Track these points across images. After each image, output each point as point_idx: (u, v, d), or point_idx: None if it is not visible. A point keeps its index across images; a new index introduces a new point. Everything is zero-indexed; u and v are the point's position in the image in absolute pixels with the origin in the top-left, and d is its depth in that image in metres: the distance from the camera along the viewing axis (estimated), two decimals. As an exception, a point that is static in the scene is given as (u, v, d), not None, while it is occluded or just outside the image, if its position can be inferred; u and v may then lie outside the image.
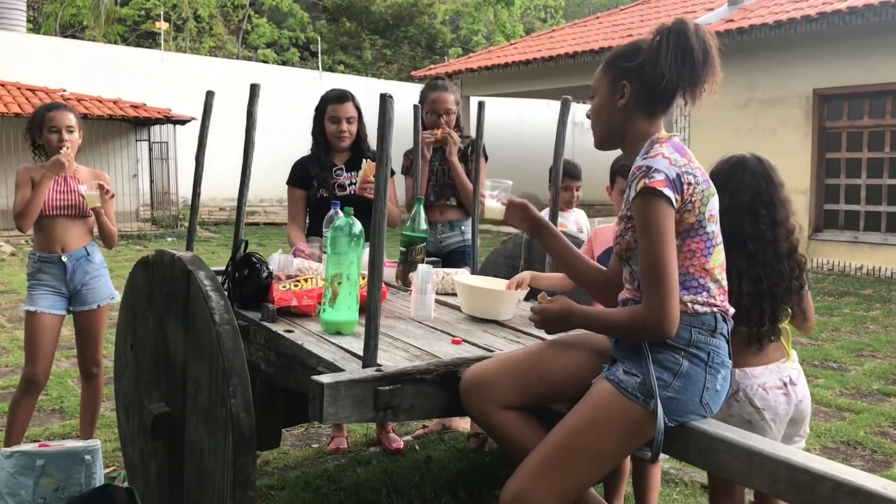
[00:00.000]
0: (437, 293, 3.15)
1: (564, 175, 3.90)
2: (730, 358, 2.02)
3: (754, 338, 2.29)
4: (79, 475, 3.11)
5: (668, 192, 1.87)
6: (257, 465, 3.61)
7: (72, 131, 3.55)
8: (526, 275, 2.95)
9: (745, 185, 2.29)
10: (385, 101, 2.05)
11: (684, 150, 2.00)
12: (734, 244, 2.23)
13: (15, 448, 3.15)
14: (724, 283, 2.03)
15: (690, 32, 1.96)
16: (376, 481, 3.41)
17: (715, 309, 1.98)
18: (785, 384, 2.30)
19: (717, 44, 2.02)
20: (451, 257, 3.92)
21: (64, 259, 3.55)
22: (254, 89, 2.90)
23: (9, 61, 13.96)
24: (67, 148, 3.51)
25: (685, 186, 1.91)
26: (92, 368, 3.67)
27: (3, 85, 13.30)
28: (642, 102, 2.04)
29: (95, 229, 3.70)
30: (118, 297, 3.66)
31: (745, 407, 2.28)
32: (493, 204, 2.44)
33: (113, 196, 3.65)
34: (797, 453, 1.73)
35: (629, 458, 2.79)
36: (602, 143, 2.17)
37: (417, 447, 3.89)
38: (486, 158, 3.95)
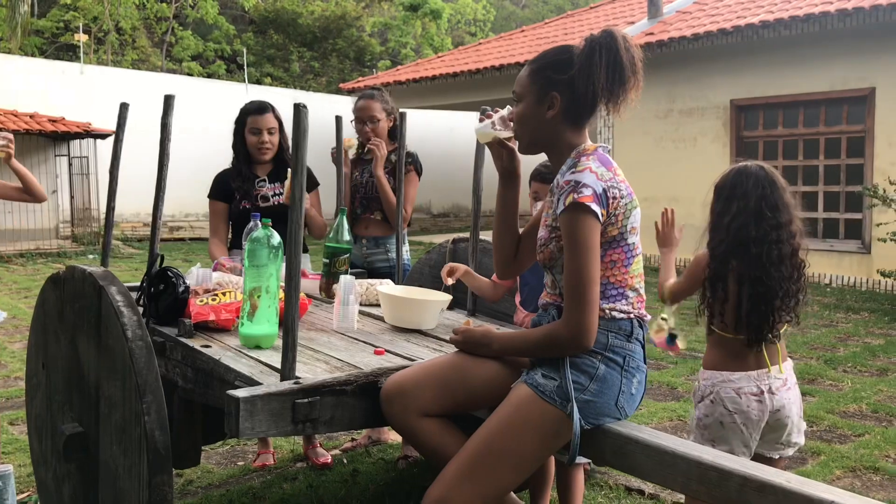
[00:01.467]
0: (360, 304, 3.13)
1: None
2: (645, 363, 2.07)
3: (753, 341, 2.34)
4: (-11, 502, 3.00)
5: (595, 207, 1.91)
6: (180, 485, 3.53)
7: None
8: (461, 267, 2.94)
9: (750, 189, 2.36)
10: (299, 111, 2.04)
11: (610, 164, 2.03)
12: (738, 250, 2.33)
13: (-80, 477, 3.01)
14: (643, 292, 2.09)
15: (621, 46, 1.99)
16: (302, 497, 3.37)
17: (632, 315, 2.03)
18: (762, 391, 2.35)
19: (642, 55, 2.05)
20: (376, 275, 3.84)
21: None
22: (168, 101, 2.85)
23: (-84, 74, 13.40)
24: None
25: (611, 201, 1.95)
26: None
27: None
28: (570, 114, 2.07)
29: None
30: (3, 315, 3.55)
31: (718, 408, 2.35)
32: (485, 124, 2.28)
33: (10, 152, 3.55)
34: (707, 451, 1.78)
35: (553, 462, 2.82)
36: (527, 149, 2.20)
37: (345, 461, 3.85)
38: (420, 172, 3.95)
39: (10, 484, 3.04)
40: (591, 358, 1.97)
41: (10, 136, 3.58)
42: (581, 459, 2.75)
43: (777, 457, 2.47)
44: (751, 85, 10.65)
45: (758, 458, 2.38)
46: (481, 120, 2.31)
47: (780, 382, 2.40)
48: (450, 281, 2.89)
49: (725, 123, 10.98)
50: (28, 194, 3.63)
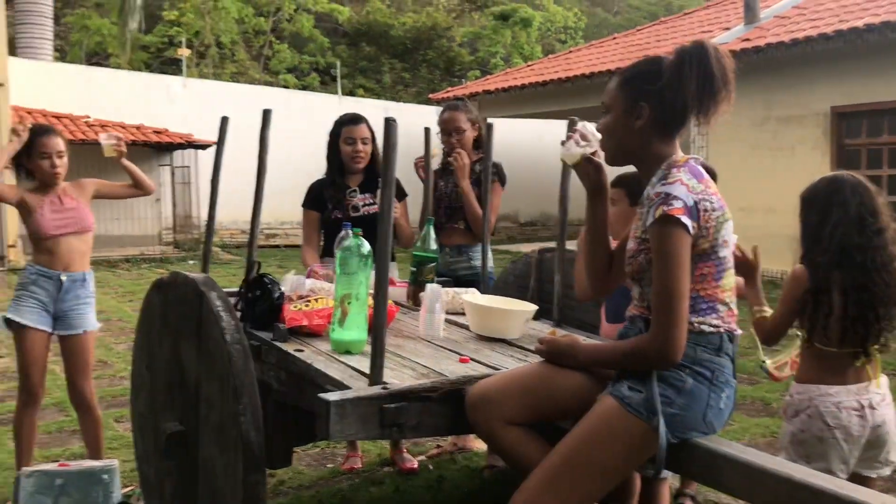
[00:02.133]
0: (446, 312, 3.18)
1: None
2: (734, 378, 2.04)
3: (860, 353, 2.32)
4: (97, 494, 3.17)
5: (685, 219, 1.89)
6: (272, 485, 3.64)
7: (62, 156, 3.62)
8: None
9: (849, 197, 2.36)
10: (389, 125, 2.10)
11: (702, 175, 2.01)
12: (842, 259, 2.32)
13: (35, 467, 3.22)
14: (734, 306, 2.05)
15: (712, 58, 1.97)
16: (389, 501, 3.44)
17: (721, 329, 2.00)
18: (862, 406, 2.31)
19: (733, 65, 2.03)
20: (460, 283, 3.88)
21: (63, 278, 3.59)
22: (266, 115, 2.96)
23: (36, 89, 14.24)
24: (58, 168, 3.58)
25: (702, 213, 1.93)
26: (86, 397, 3.67)
27: (29, 112, 13.56)
28: (659, 125, 2.06)
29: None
30: (98, 327, 3.75)
31: (817, 423, 2.31)
32: (569, 146, 2.26)
33: (123, 151, 3.79)
34: (798, 469, 1.74)
35: (638, 476, 2.79)
36: (614, 160, 2.19)
37: (431, 467, 3.90)
38: (504, 182, 3.99)
39: (116, 478, 3.22)
40: (679, 371, 1.95)
41: (121, 135, 3.82)
42: (666, 474, 2.72)
43: (874, 476, 2.39)
44: (853, 91, 10.23)
45: (853, 477, 2.31)
46: (563, 143, 2.29)
47: (880, 398, 2.33)
48: (530, 311, 2.90)
49: (825, 131, 10.58)
50: (138, 188, 3.86)
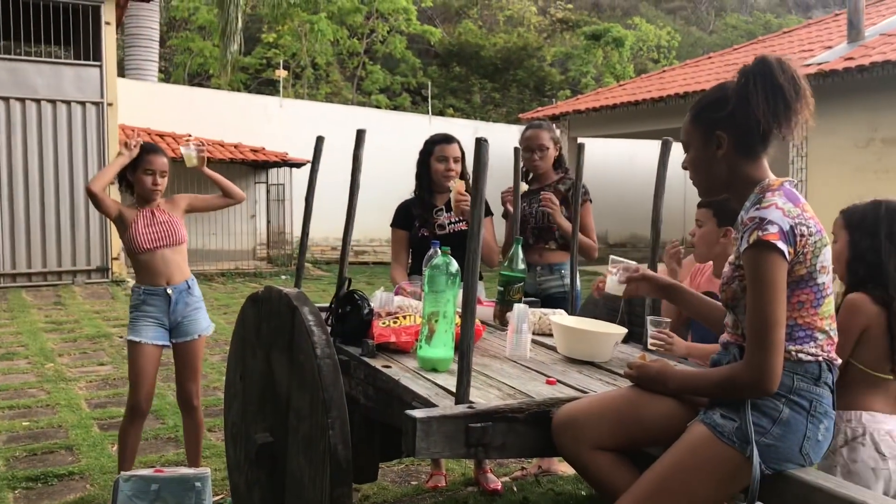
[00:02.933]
0: (533, 333, 3.16)
1: None
2: (833, 409, 1.96)
3: None
4: (189, 501, 3.27)
5: (781, 244, 1.84)
6: (357, 500, 3.69)
7: (164, 175, 3.78)
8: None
9: (884, 219, 2.35)
10: (480, 144, 2.11)
11: (798, 199, 1.96)
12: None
13: (133, 472, 3.34)
14: (834, 334, 1.98)
15: (776, 70, 1.94)
16: (472, 520, 3.43)
17: (820, 358, 1.93)
18: None
19: (803, 74, 1.98)
20: (549, 301, 3.90)
21: (169, 291, 3.74)
22: (360, 135, 3.03)
23: (141, 108, 14.94)
24: (159, 185, 3.73)
25: (798, 238, 1.88)
26: (192, 401, 3.82)
27: (133, 129, 14.24)
28: (742, 148, 2.02)
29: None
30: (212, 328, 3.87)
31: (871, 452, 2.24)
32: (612, 281, 2.47)
33: (204, 157, 3.90)
34: (901, 507, 1.65)
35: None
36: (707, 193, 2.16)
37: (515, 489, 3.88)
38: (590, 201, 4.00)
39: (208, 486, 3.31)
40: (775, 401, 1.89)
41: (201, 142, 3.95)
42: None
43: None
44: (966, 111, 9.73)
45: None
46: (607, 277, 2.52)
47: None
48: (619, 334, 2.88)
49: (935, 153, 10.09)
50: (228, 197, 3.98)
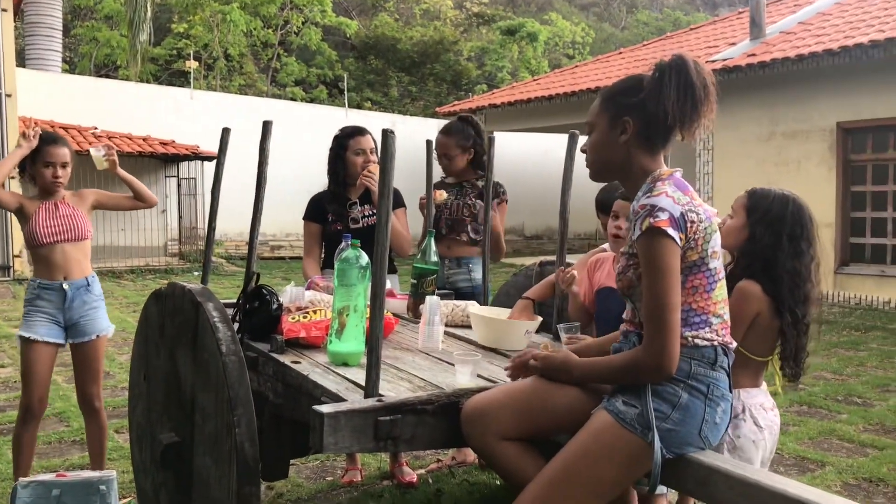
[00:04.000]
0: (446, 325, 3.17)
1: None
2: (730, 391, 2.03)
3: (790, 364, 2.43)
4: (94, 505, 3.16)
5: (672, 231, 1.89)
6: (271, 498, 3.63)
7: (66, 166, 3.61)
8: (522, 303, 3.03)
9: (808, 224, 2.44)
10: (386, 136, 2.10)
11: (686, 188, 2.01)
12: (793, 283, 2.39)
13: (32, 478, 3.19)
14: (727, 317, 2.04)
15: (691, 69, 1.98)
16: (387, 514, 3.42)
17: (715, 342, 1.98)
18: (774, 405, 2.43)
19: (714, 79, 2.04)
20: (457, 296, 3.91)
21: (65, 286, 3.56)
22: (266, 126, 2.98)
23: (44, 100, 14.35)
24: (60, 178, 3.58)
25: (689, 224, 1.93)
26: (94, 403, 3.67)
27: (36, 123, 13.66)
28: (644, 138, 2.06)
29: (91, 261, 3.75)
30: (112, 329, 3.73)
31: (750, 426, 2.36)
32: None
33: (114, 160, 3.73)
34: (792, 484, 1.72)
35: (635, 493, 2.77)
36: (599, 176, 2.20)
37: (430, 481, 3.88)
38: (506, 202, 4.09)
39: (113, 489, 3.19)
40: (674, 386, 1.94)
41: (113, 145, 3.80)
42: (662, 490, 2.70)
43: None
44: (859, 106, 10.22)
45: None
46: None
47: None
48: (532, 323, 2.93)
49: (831, 146, 10.58)
50: (139, 200, 3.81)
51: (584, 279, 3.01)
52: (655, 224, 1.89)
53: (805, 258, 2.41)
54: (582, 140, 2.26)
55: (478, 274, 3.99)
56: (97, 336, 3.64)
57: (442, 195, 3.98)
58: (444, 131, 4.10)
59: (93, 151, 3.71)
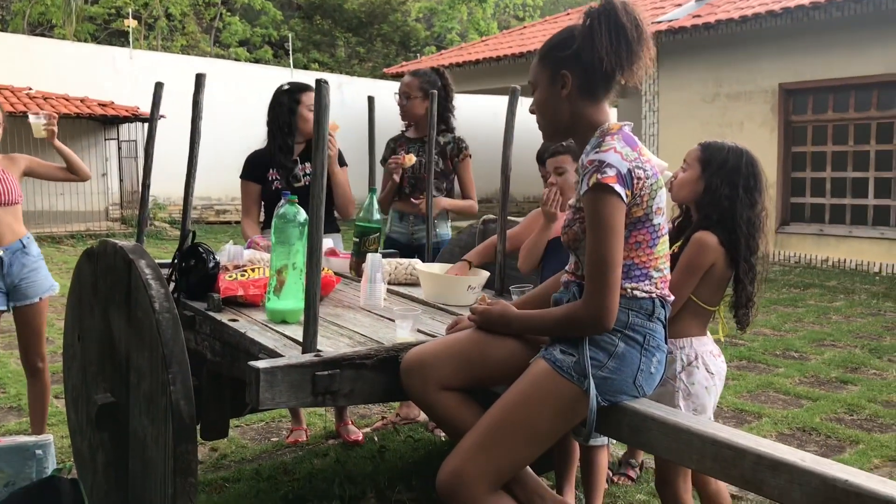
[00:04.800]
0: (389, 283, 3.16)
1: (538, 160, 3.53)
2: (665, 342, 2.05)
3: (743, 312, 2.50)
4: (30, 470, 3.08)
5: (618, 187, 1.88)
6: (214, 459, 3.61)
7: None
8: (462, 264, 3.05)
9: (760, 175, 2.48)
10: (320, 86, 2.06)
11: (635, 143, 2.00)
12: (749, 232, 2.44)
13: (-35, 444, 3.12)
14: (667, 272, 2.06)
15: (620, 11, 1.97)
16: (330, 471, 3.42)
17: (654, 294, 2.00)
18: (720, 353, 2.49)
19: (645, 17, 2.03)
20: (422, 251, 3.90)
21: (0, 253, 3.48)
22: (199, 79, 2.89)
23: (-26, 60, 13.80)
24: None
25: (635, 181, 1.92)
26: (37, 363, 3.62)
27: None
28: (585, 89, 2.04)
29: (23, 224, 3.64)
30: (57, 288, 3.64)
31: (703, 373, 2.41)
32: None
33: (53, 130, 3.64)
34: (722, 429, 1.76)
35: (577, 444, 2.82)
36: (551, 136, 2.19)
37: (375, 438, 3.90)
38: (469, 156, 4.12)
39: (50, 452, 3.13)
40: (611, 336, 1.95)
41: (55, 114, 3.67)
42: (602, 440, 2.75)
43: None
44: (800, 68, 10.40)
45: None
46: None
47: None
48: (475, 279, 2.94)
49: (773, 108, 10.75)
50: (72, 173, 3.71)
51: (526, 227, 3.03)
52: (602, 180, 1.88)
53: (757, 208, 2.45)
54: (528, 102, 2.24)
55: (443, 230, 4.04)
56: (40, 299, 3.57)
57: (411, 159, 3.93)
58: (412, 73, 4.09)
59: (32, 118, 3.59)
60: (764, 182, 2.51)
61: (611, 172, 1.89)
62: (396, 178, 3.96)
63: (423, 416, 4.13)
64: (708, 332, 2.55)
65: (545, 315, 2.06)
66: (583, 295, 1.94)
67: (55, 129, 3.64)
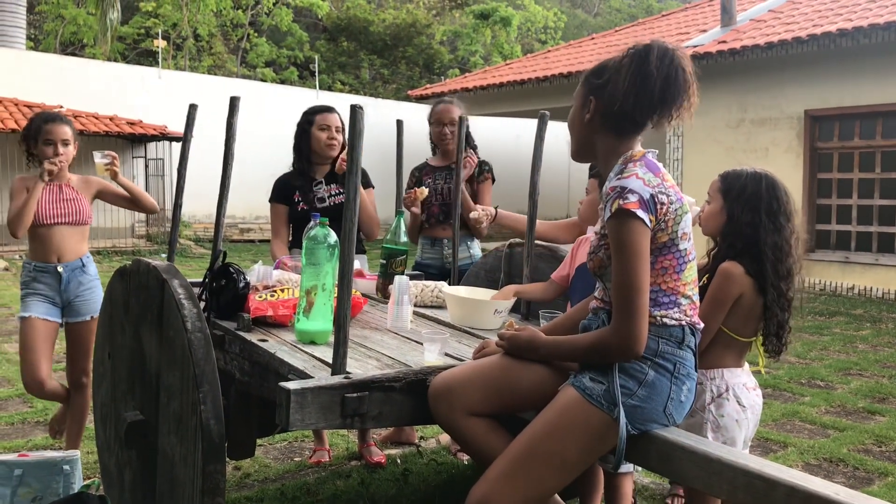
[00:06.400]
0: (415, 305, 3.17)
1: None
2: (696, 370, 2.05)
3: (773, 340, 2.46)
4: (57, 485, 3.12)
5: (641, 213, 1.89)
6: (238, 478, 3.62)
7: (67, 144, 3.59)
8: (510, 288, 3.03)
9: (783, 199, 2.44)
10: (355, 111, 2.08)
11: (658, 169, 2.00)
12: (776, 259, 2.41)
13: (-5, 457, 3.16)
14: (696, 298, 2.05)
15: (652, 58, 1.96)
16: (353, 493, 3.42)
17: (683, 322, 2.00)
18: (756, 385, 2.44)
19: (692, 69, 2.01)
20: (460, 275, 3.92)
21: (59, 269, 3.58)
22: (233, 102, 2.94)
23: (8, 77, 14.06)
24: (61, 155, 3.55)
25: (658, 206, 1.93)
26: (82, 379, 3.69)
27: (0, 101, 13.38)
28: (607, 119, 2.05)
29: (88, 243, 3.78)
30: None
31: (734, 405, 2.37)
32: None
33: (116, 171, 3.73)
34: (753, 459, 1.75)
35: (601, 471, 2.80)
36: (575, 155, 2.21)
37: (398, 461, 3.89)
38: (493, 179, 4.16)
39: (77, 468, 3.17)
40: (641, 363, 1.95)
41: (114, 154, 3.75)
42: (628, 468, 2.73)
43: None
44: (826, 95, 10.36)
45: None
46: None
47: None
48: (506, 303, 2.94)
49: (799, 134, 10.70)
50: (136, 206, 3.84)
51: (569, 261, 3.03)
52: (625, 206, 1.89)
53: (785, 232, 2.41)
54: (553, 124, 2.26)
55: (475, 250, 4.08)
56: (91, 317, 3.66)
57: (423, 192, 3.95)
58: (446, 101, 4.13)
59: (97, 158, 3.70)
60: (791, 205, 2.46)
61: (633, 198, 1.90)
62: (416, 210, 4.01)
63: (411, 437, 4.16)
64: (746, 364, 2.51)
65: (574, 341, 2.06)
66: (611, 321, 1.95)
67: (117, 169, 3.74)
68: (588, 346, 2.00)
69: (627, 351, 1.91)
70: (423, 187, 3.98)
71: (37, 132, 3.56)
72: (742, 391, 2.41)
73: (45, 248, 3.57)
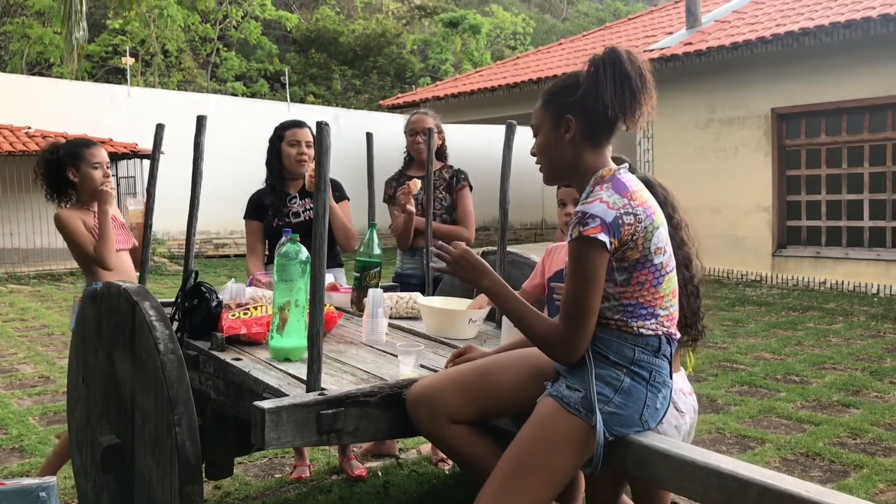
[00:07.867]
0: (390, 317, 3.18)
1: None
2: (671, 379, 2.07)
3: (687, 342, 2.43)
4: (34, 513, 3.08)
5: (602, 237, 1.91)
6: (218, 497, 3.60)
7: (109, 167, 3.56)
8: (484, 297, 3.02)
9: (658, 191, 2.41)
10: (321, 128, 2.09)
11: (625, 189, 2.00)
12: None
13: (-32, 487, 3.12)
14: (674, 309, 2.07)
15: (625, 60, 2.00)
16: (335, 508, 3.41)
17: (660, 332, 2.02)
18: (691, 390, 2.46)
19: (650, 67, 2.07)
20: (437, 283, 3.92)
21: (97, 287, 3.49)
22: (200, 121, 2.93)
23: (-28, 99, 13.90)
24: (109, 178, 3.51)
25: (623, 228, 1.94)
26: None
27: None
28: (587, 134, 2.06)
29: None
30: None
31: (672, 411, 2.37)
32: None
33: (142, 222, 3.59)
34: (726, 460, 1.77)
35: (582, 475, 2.81)
36: (552, 179, 2.19)
37: (379, 473, 3.89)
38: (470, 187, 4.20)
39: (54, 494, 3.12)
40: (617, 371, 1.97)
41: (142, 199, 3.52)
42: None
43: None
44: (792, 93, 10.51)
45: None
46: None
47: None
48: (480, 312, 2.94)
49: (767, 132, 10.84)
50: (97, 252, 3.42)
51: (540, 269, 3.04)
52: (584, 233, 1.91)
53: (674, 222, 2.41)
54: (521, 130, 2.27)
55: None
56: None
57: (416, 184, 3.94)
58: (421, 112, 4.18)
59: (131, 205, 3.64)
60: (672, 197, 2.46)
61: (593, 224, 1.91)
62: (411, 207, 3.95)
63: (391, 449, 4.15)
64: (682, 369, 2.51)
65: (522, 311, 2.06)
66: (559, 327, 1.98)
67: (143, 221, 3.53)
68: (530, 326, 2.03)
69: (561, 356, 2.00)
70: (416, 180, 3.97)
71: (76, 157, 3.42)
72: (679, 396, 2.39)
73: (118, 277, 3.40)
